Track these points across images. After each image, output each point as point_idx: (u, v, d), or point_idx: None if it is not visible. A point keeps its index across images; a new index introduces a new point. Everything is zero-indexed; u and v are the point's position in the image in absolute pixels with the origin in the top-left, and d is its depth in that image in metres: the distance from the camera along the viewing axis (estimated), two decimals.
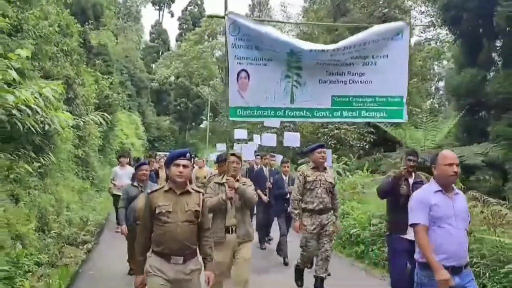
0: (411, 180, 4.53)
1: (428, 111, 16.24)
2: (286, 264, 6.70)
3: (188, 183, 3.31)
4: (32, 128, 5.65)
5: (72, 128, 9.21)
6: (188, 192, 3.22)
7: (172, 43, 56.04)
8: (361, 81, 4.23)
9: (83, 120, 8.04)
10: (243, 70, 4.12)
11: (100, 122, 8.76)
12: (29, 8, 7.53)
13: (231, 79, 4.10)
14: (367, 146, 17.12)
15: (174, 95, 47.16)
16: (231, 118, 4.25)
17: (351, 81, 4.25)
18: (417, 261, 3.14)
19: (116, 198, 8.73)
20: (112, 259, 6.56)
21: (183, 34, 52.33)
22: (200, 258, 3.28)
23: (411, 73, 16.94)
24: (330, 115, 4.32)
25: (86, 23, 17.01)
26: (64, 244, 6.95)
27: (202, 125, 50.28)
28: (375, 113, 4.27)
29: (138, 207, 4.98)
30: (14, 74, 4.55)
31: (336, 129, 16.85)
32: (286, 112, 4.28)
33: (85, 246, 7.28)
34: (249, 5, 47.71)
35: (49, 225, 6.62)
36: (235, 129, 14.43)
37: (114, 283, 5.58)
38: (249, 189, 4.18)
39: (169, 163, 3.18)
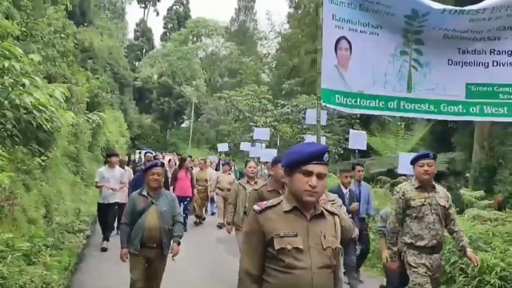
0: None
1: (400, 119, 17.26)
2: None
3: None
4: (43, 125, 6.42)
5: (70, 126, 9.83)
6: (322, 216, 1.98)
7: (157, 42, 56.38)
8: (510, 63, 3.06)
9: (82, 118, 8.72)
10: (343, 37, 2.96)
11: (97, 121, 9.54)
12: (37, 15, 8.21)
13: (327, 48, 2.92)
14: (342, 152, 18.18)
15: (156, 94, 47.26)
16: (328, 104, 3.05)
17: (495, 63, 3.07)
18: None
19: (101, 208, 7.25)
20: (113, 244, 7.09)
21: (167, 33, 52.77)
22: None
23: None
24: (465, 111, 3.11)
25: (81, 25, 17.54)
26: (64, 231, 7.64)
27: (183, 125, 50.72)
28: None
29: (147, 224, 3.87)
30: (38, 80, 5.26)
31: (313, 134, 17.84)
32: (401, 104, 3.10)
33: (81, 234, 7.97)
34: (235, 9, 48.85)
35: (51, 213, 7.33)
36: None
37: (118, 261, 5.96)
38: (342, 213, 2.91)
39: (291, 166, 1.95)
